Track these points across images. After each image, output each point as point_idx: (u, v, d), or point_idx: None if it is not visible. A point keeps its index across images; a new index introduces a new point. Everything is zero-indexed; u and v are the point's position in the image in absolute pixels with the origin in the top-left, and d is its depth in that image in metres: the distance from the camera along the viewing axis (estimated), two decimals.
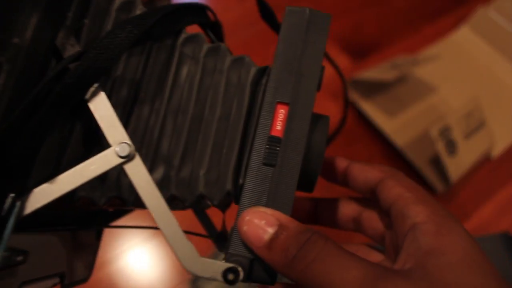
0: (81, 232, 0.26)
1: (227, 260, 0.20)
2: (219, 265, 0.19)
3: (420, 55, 0.82)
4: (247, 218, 0.19)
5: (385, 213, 0.24)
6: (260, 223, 0.19)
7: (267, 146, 0.21)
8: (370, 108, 0.72)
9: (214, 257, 0.55)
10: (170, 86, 0.23)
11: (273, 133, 0.21)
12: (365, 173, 0.25)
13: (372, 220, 0.25)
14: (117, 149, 0.19)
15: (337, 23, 0.86)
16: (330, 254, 0.18)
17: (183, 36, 0.23)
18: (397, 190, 0.23)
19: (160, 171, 0.22)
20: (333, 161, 0.27)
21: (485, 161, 0.71)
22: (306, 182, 0.23)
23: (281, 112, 0.21)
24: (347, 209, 0.27)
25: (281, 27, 0.23)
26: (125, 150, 0.19)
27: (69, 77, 0.18)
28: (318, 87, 0.22)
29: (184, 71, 0.23)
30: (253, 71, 0.23)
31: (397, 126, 0.71)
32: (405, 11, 0.91)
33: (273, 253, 0.19)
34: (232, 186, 0.22)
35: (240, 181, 0.22)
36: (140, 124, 0.22)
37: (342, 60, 0.80)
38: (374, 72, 0.74)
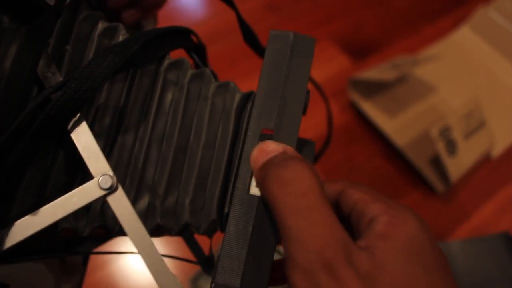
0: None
1: None
2: None
3: (420, 55, 0.82)
4: (260, 145, 0.20)
5: (347, 221, 0.25)
6: (267, 149, 0.20)
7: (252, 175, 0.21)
8: (370, 108, 0.72)
9: (199, 276, 0.55)
10: (154, 114, 0.22)
11: None
12: (329, 188, 0.26)
13: None
14: (100, 181, 0.19)
15: (337, 23, 0.86)
16: (304, 193, 0.18)
17: (166, 61, 0.23)
18: (357, 195, 0.23)
19: (145, 201, 0.22)
20: None
21: (485, 161, 0.71)
22: None
23: None
24: None
25: (265, 51, 0.22)
26: (108, 182, 0.19)
27: (51, 108, 0.18)
28: (304, 111, 0.22)
29: (168, 97, 0.23)
30: (238, 97, 0.23)
31: (397, 126, 0.71)
32: (405, 11, 0.91)
33: (260, 171, 0.19)
34: (217, 215, 0.21)
35: (226, 209, 0.21)
36: (124, 152, 0.22)
37: (342, 60, 0.80)
38: (374, 72, 0.74)
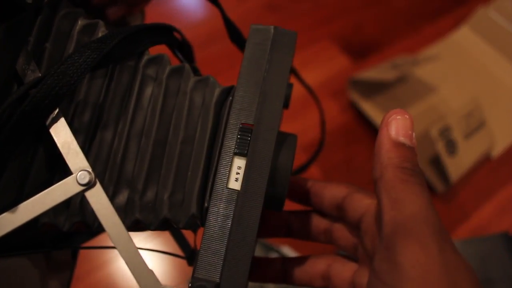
0: (55, 251, 0.26)
1: (192, 285, 0.20)
2: None
3: (420, 55, 0.82)
4: (401, 116, 0.22)
5: (354, 226, 0.24)
6: (408, 129, 0.21)
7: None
8: (370, 108, 0.72)
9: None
10: (132, 109, 0.22)
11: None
12: (332, 190, 0.25)
13: (343, 231, 0.26)
14: (78, 176, 0.20)
15: (337, 23, 0.86)
16: (432, 227, 0.18)
17: (145, 57, 0.23)
18: (367, 201, 0.23)
19: (124, 195, 0.22)
20: (296, 181, 0.27)
21: (485, 161, 0.71)
22: (273, 202, 0.23)
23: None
24: (318, 221, 0.27)
25: (245, 46, 0.22)
26: (86, 178, 0.20)
27: (27, 105, 0.18)
28: (286, 105, 0.22)
29: (147, 93, 0.23)
30: (217, 91, 0.23)
31: None
32: (405, 11, 0.91)
33: (402, 151, 0.21)
34: (197, 210, 0.21)
35: (206, 204, 0.21)
36: (103, 148, 0.22)
37: (342, 60, 0.80)
38: (374, 72, 0.74)
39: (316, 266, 0.26)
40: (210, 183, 0.22)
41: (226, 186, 0.21)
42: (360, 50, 0.82)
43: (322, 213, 0.27)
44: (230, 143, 0.21)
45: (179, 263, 0.56)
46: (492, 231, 0.64)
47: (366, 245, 0.23)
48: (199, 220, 0.22)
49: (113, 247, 0.24)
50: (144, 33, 0.23)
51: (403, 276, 0.17)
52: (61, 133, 0.20)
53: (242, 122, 0.21)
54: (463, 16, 0.89)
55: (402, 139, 0.20)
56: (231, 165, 0.21)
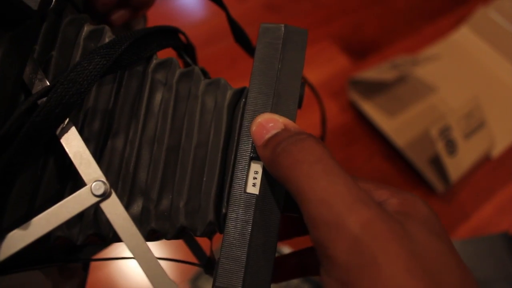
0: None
1: None
2: None
3: (420, 55, 0.82)
4: (258, 120, 0.20)
5: None
6: (267, 125, 0.19)
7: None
8: (370, 108, 0.72)
9: (199, 276, 0.55)
10: (143, 115, 0.22)
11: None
12: None
13: None
14: (92, 187, 0.19)
15: (337, 23, 0.86)
16: (318, 160, 0.17)
17: (154, 62, 0.22)
18: (360, 185, 0.23)
19: (138, 205, 0.21)
20: None
21: (485, 161, 0.71)
22: (293, 204, 0.23)
23: None
24: None
25: (256, 45, 0.22)
26: (101, 188, 0.19)
27: (37, 115, 0.17)
28: (299, 105, 0.21)
29: (158, 98, 0.22)
30: (229, 94, 0.22)
31: (397, 126, 0.71)
32: (405, 11, 0.91)
33: (266, 149, 0.19)
34: (214, 216, 0.21)
35: (223, 210, 0.21)
36: (115, 156, 0.21)
37: (342, 60, 0.80)
38: (374, 72, 0.74)
39: None
40: (226, 189, 0.21)
41: (244, 191, 0.20)
42: (360, 50, 0.82)
43: None
44: (246, 147, 0.20)
45: (178, 265, 0.55)
46: (492, 231, 0.63)
47: None
48: (217, 227, 0.21)
49: (128, 258, 0.23)
50: (151, 37, 0.23)
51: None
52: (73, 143, 0.19)
53: None
54: (463, 16, 0.89)
55: (273, 131, 0.19)
56: (248, 170, 0.20)
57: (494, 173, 0.71)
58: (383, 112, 0.72)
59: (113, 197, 0.19)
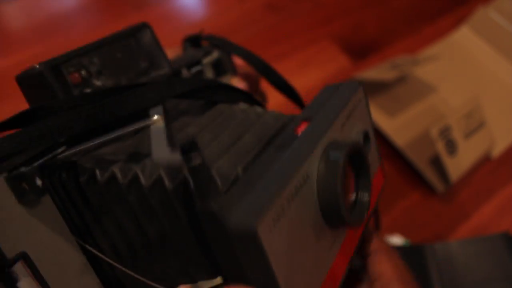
0: None
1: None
2: None
3: (420, 55, 0.82)
4: None
5: (370, 285, 0.25)
6: None
7: None
8: (370, 108, 0.72)
9: None
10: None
11: None
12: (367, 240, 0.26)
13: None
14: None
15: (337, 23, 0.86)
16: None
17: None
18: (383, 266, 0.24)
19: None
20: None
21: (485, 161, 0.71)
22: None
23: None
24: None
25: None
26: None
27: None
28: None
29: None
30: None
31: (397, 126, 0.71)
32: (405, 11, 0.91)
33: None
34: None
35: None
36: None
37: (342, 60, 0.80)
38: (374, 72, 0.74)
39: None
40: None
41: None
42: (360, 50, 0.82)
43: None
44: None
45: None
46: (492, 231, 0.63)
47: None
48: None
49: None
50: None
51: None
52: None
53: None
54: (463, 16, 0.89)
55: None
56: None
57: (494, 173, 0.71)
58: (383, 112, 0.72)
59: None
